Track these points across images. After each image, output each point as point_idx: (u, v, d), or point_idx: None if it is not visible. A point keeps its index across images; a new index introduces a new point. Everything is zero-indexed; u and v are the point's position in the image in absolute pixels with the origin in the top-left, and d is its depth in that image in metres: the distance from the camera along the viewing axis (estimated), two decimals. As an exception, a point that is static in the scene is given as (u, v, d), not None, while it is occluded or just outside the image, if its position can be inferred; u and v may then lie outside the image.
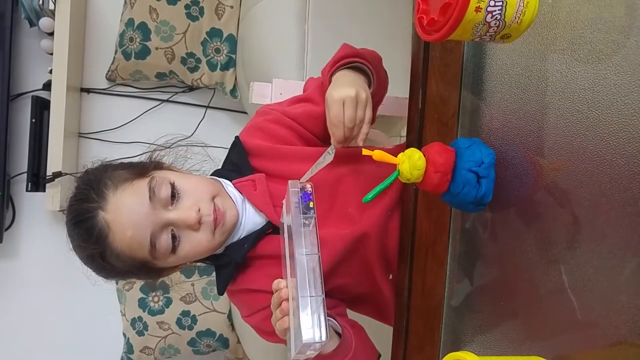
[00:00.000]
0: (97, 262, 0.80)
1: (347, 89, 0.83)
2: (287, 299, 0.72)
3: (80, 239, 0.79)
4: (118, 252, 0.78)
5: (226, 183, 0.91)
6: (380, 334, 0.95)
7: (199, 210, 0.80)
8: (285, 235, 0.75)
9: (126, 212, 0.78)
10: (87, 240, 0.79)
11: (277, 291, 0.74)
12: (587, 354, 0.52)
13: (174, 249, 0.81)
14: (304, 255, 0.67)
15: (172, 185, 0.81)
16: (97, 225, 0.78)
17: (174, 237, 0.80)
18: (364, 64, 0.90)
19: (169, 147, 0.93)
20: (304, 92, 1.01)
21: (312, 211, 0.70)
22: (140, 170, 0.84)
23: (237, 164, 0.92)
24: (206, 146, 0.97)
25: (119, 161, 0.88)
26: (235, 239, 0.89)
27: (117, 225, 0.77)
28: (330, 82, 0.89)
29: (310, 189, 0.73)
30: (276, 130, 0.92)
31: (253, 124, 0.95)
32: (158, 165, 0.88)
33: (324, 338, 0.63)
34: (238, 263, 0.88)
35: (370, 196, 0.66)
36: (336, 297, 0.98)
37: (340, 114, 0.82)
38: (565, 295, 0.53)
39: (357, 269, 0.88)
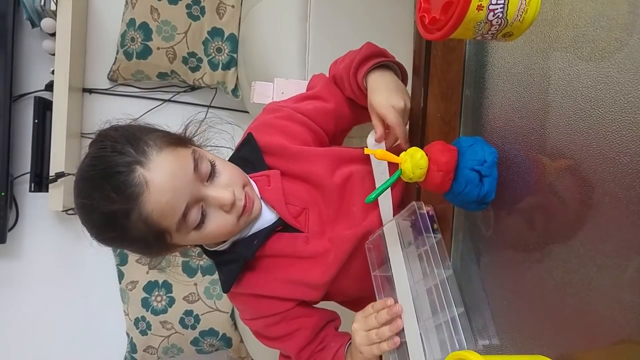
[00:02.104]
0: (116, 221, 0.73)
1: (394, 97, 0.84)
2: (400, 315, 0.76)
3: (112, 191, 0.71)
4: (147, 214, 0.73)
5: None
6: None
7: (234, 193, 0.80)
8: (400, 256, 0.77)
9: (170, 175, 0.74)
10: (118, 193, 0.71)
11: (379, 310, 0.78)
12: (591, 353, 0.52)
13: (199, 226, 0.79)
14: (443, 272, 0.70)
15: (212, 163, 0.81)
16: (134, 181, 0.71)
17: (202, 214, 0.79)
18: (394, 63, 0.90)
19: (201, 123, 0.90)
20: (308, 89, 1.00)
21: (437, 232, 0.73)
22: (179, 140, 0.81)
23: (250, 160, 0.91)
24: (221, 147, 0.96)
25: (149, 125, 0.84)
26: (244, 234, 0.88)
27: (157, 186, 0.72)
28: (361, 80, 0.88)
29: (432, 212, 0.75)
30: (289, 127, 0.91)
31: (263, 121, 0.94)
32: (192, 141, 0.86)
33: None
34: (247, 258, 0.87)
35: (373, 196, 0.66)
36: (338, 300, 0.98)
37: (398, 119, 0.83)
38: (568, 294, 0.53)
39: (359, 270, 0.88)
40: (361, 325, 0.80)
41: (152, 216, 0.73)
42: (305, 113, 0.92)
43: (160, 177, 0.73)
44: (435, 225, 0.74)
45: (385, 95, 0.84)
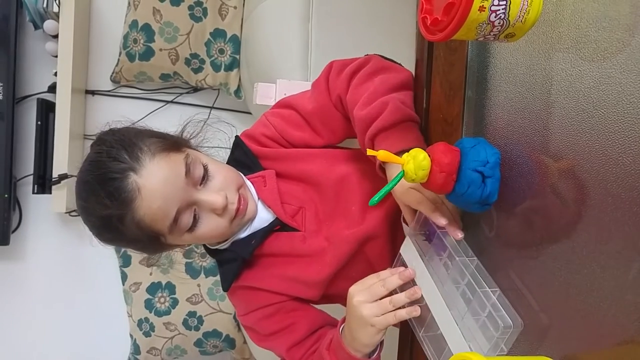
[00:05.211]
0: (111, 224, 0.77)
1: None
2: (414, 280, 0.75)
3: (106, 197, 0.75)
4: (139, 219, 0.76)
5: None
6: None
7: (226, 196, 0.82)
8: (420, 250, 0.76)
9: (161, 181, 0.76)
10: (112, 199, 0.75)
11: (386, 278, 0.77)
12: (595, 354, 0.52)
13: (191, 229, 0.81)
14: (464, 258, 0.68)
15: (205, 167, 0.82)
16: (127, 187, 0.75)
17: (194, 217, 0.81)
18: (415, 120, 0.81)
19: (199, 125, 0.94)
20: (312, 90, 0.96)
21: None
22: (173, 143, 0.83)
23: (246, 163, 0.93)
24: (221, 147, 0.97)
25: (146, 128, 0.87)
26: (242, 235, 0.89)
27: (149, 192, 0.75)
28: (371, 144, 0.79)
29: None
30: (270, 147, 0.93)
31: (252, 131, 0.96)
32: (188, 143, 0.88)
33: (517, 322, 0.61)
34: (245, 258, 0.89)
35: (377, 198, 0.66)
36: (340, 302, 0.98)
37: (415, 197, 0.74)
38: (571, 294, 0.53)
39: (361, 272, 0.88)
40: (365, 297, 0.77)
41: (145, 220, 0.77)
42: (292, 141, 0.93)
43: (152, 184, 0.76)
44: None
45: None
